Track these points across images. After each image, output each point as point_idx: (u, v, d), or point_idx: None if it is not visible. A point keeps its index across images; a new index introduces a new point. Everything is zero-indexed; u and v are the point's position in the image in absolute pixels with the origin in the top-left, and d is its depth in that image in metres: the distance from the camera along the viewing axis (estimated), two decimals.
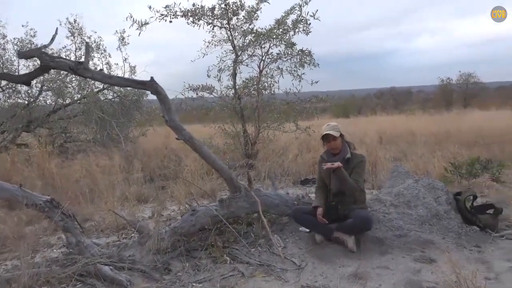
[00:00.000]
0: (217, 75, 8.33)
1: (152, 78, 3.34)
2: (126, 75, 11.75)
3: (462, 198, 3.73)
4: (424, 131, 10.67)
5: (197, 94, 8.55)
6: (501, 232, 3.63)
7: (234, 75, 8.33)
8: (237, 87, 8.34)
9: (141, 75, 14.68)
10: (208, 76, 8.42)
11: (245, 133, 8.48)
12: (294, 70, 7.95)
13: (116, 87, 11.87)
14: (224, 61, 8.36)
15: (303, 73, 7.85)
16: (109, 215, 5.03)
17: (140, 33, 7.79)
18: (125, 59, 11.11)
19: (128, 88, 12.51)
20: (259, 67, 8.34)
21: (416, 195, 3.75)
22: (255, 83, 8.15)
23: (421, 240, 3.37)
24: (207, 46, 8.37)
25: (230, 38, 8.29)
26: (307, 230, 3.79)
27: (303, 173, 7.31)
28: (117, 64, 11.32)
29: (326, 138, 3.65)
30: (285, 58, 8.07)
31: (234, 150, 8.59)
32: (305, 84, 7.96)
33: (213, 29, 8.22)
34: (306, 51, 7.90)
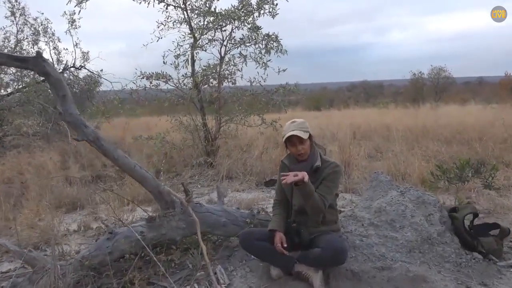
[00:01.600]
0: (174, 61, 7.30)
1: (38, 52, 2.33)
2: (77, 62, 10.74)
3: (460, 216, 2.89)
4: (399, 126, 10.00)
5: (151, 83, 7.48)
6: (508, 260, 2.83)
7: (192, 62, 7.33)
8: (195, 75, 7.34)
9: (95, 62, 13.43)
10: (164, 63, 7.38)
11: (205, 127, 7.52)
12: (259, 57, 7.03)
13: (65, 74, 10.76)
14: (181, 45, 7.33)
15: (269, 60, 6.95)
16: (22, 231, 4.05)
17: (80, 10, 6.70)
18: (76, 44, 10.03)
19: (81, 76, 11.41)
20: (220, 53, 7.38)
21: (402, 212, 2.88)
22: (214, 71, 7.16)
23: (410, 276, 2.50)
24: (161, 28, 7.33)
25: (187, 19, 7.27)
26: None
27: (268, 172, 6.49)
28: (67, 49, 10.15)
29: (290, 140, 2.72)
30: (249, 43, 7.13)
31: (192, 146, 7.63)
32: (272, 75, 7.08)
33: (167, 8, 7.19)
34: (273, 36, 7.00)
